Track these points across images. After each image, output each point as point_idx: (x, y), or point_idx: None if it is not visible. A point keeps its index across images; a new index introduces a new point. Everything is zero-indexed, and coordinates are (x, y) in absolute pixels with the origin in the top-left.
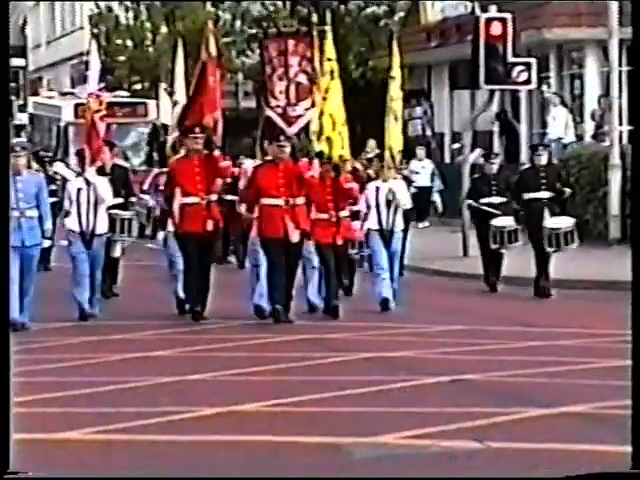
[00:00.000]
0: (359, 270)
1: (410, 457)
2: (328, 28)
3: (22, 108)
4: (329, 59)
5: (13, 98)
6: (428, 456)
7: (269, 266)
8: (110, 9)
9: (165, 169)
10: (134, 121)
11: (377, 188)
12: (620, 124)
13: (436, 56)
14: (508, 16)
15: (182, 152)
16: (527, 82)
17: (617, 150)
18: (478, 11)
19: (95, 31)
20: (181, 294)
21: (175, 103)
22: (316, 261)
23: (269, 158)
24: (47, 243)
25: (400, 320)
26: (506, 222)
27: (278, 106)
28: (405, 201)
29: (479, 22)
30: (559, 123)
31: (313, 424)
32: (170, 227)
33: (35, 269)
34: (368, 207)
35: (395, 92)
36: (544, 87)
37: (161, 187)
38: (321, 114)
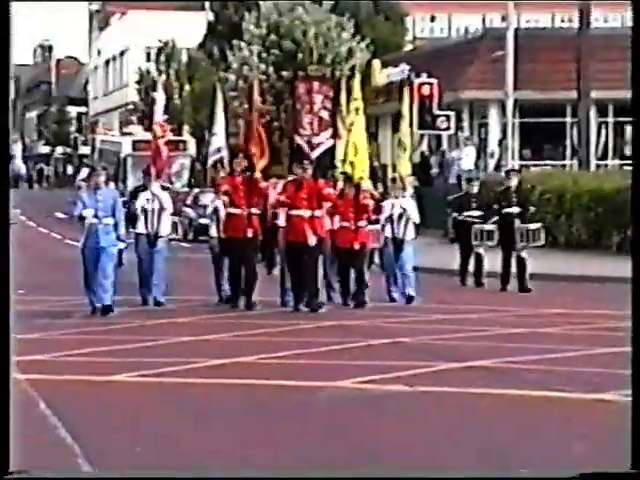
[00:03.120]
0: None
1: (361, 397)
2: (357, 74)
3: (85, 142)
4: (355, 99)
5: (77, 135)
6: (372, 396)
7: (291, 264)
8: (149, 72)
9: (204, 189)
10: (177, 154)
11: (392, 204)
12: (513, 159)
13: (383, 109)
14: (434, 81)
15: (222, 173)
16: (447, 129)
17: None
18: (413, 76)
19: (138, 87)
20: (225, 286)
21: (213, 134)
22: None
23: (292, 177)
24: (122, 245)
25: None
26: (484, 225)
27: (305, 135)
28: (414, 216)
29: (413, 84)
30: (470, 159)
31: (290, 372)
32: (214, 233)
33: (114, 264)
34: (385, 219)
35: (405, 127)
36: (459, 132)
37: (200, 202)
38: (347, 143)
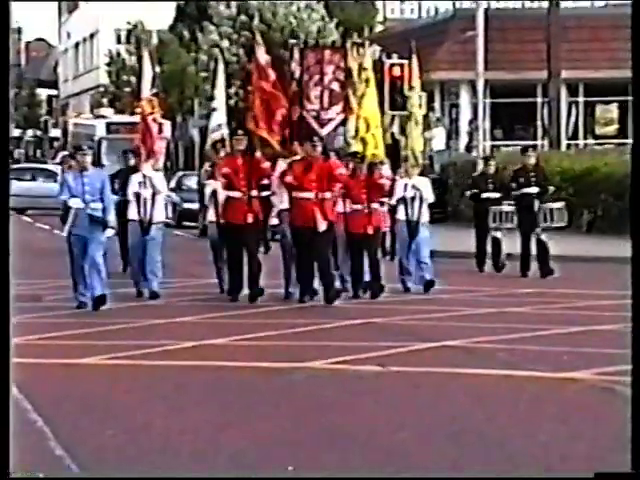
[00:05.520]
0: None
1: (332, 377)
2: (365, 40)
3: (55, 125)
4: (365, 68)
5: (48, 117)
6: (345, 376)
7: (298, 252)
8: (119, 54)
9: (188, 172)
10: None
11: (405, 185)
12: (484, 140)
13: None
14: (406, 62)
15: (222, 152)
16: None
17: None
18: (384, 57)
19: (108, 70)
20: (224, 275)
21: (214, 109)
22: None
23: (298, 157)
24: (110, 232)
25: None
26: (503, 207)
27: (313, 109)
28: (428, 195)
29: (384, 65)
30: (440, 139)
31: (263, 353)
32: (212, 217)
33: (101, 254)
34: (397, 201)
35: (415, 98)
36: (430, 113)
37: (184, 186)
38: (357, 117)
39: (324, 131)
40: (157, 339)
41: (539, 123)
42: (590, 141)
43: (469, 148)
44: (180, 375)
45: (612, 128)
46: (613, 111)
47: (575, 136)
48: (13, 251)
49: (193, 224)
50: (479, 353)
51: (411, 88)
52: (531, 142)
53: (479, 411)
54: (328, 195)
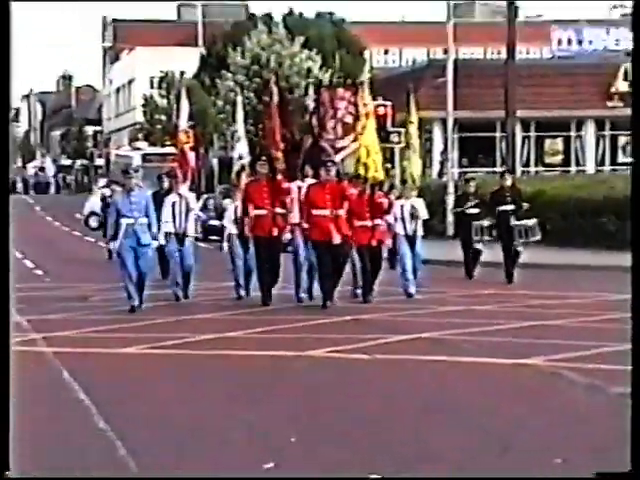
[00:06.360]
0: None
1: (328, 364)
2: (365, 80)
3: (100, 156)
4: (365, 104)
5: (94, 150)
6: (339, 363)
7: (318, 262)
8: (152, 97)
9: (211, 194)
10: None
11: (402, 205)
12: (453, 167)
13: None
14: (389, 103)
15: (243, 177)
16: (399, 142)
17: (452, 184)
18: (370, 99)
19: (143, 110)
20: (240, 281)
21: (238, 139)
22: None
23: (310, 180)
24: (155, 244)
25: None
26: (484, 222)
27: (329, 139)
28: (423, 214)
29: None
30: (417, 167)
31: (271, 344)
32: (234, 231)
33: (150, 263)
34: (395, 219)
35: (414, 131)
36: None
37: (209, 206)
38: (359, 146)
39: (337, 157)
40: (183, 332)
41: (498, 154)
42: (540, 169)
43: (440, 174)
44: (201, 362)
45: (558, 158)
46: (559, 144)
47: (527, 164)
48: (64, 259)
49: (217, 238)
50: (447, 344)
51: (410, 122)
52: (491, 169)
53: (445, 392)
54: (341, 212)
